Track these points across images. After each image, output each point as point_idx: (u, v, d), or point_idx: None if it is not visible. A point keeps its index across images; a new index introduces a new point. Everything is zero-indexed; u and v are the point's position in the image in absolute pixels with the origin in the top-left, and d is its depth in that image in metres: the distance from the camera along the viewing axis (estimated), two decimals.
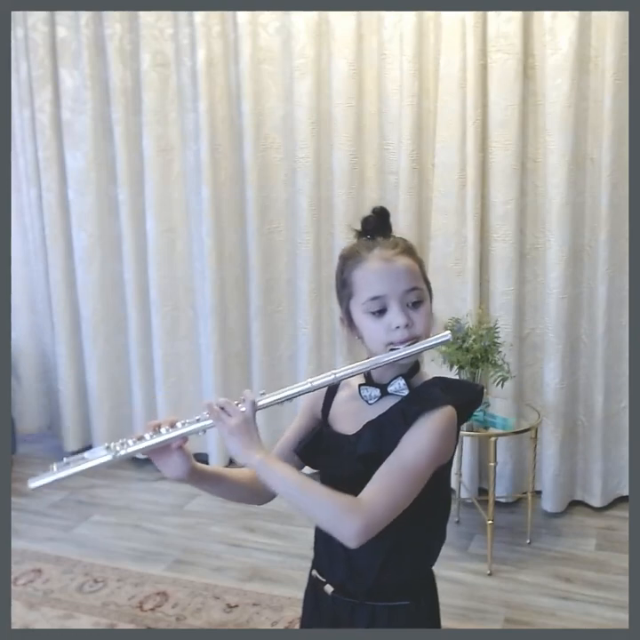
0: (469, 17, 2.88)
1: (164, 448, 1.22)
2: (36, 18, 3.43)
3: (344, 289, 1.28)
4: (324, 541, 1.36)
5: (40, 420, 4.07)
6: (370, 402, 1.29)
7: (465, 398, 1.28)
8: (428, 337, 1.26)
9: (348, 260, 1.28)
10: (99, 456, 1.21)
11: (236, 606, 2.59)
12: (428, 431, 1.20)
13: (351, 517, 1.15)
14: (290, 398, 1.23)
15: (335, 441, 1.31)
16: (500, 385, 2.81)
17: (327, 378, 1.23)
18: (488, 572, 2.77)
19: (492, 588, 2.69)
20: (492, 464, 2.74)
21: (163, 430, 1.22)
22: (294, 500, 1.18)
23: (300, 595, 1.46)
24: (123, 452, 1.20)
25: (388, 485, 1.18)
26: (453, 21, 2.94)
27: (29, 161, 3.63)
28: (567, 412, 3.12)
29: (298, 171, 3.24)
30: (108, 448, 1.21)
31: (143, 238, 3.52)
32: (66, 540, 3.09)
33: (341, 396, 1.35)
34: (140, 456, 1.24)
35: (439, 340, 1.25)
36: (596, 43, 2.86)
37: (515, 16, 2.87)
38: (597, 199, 2.94)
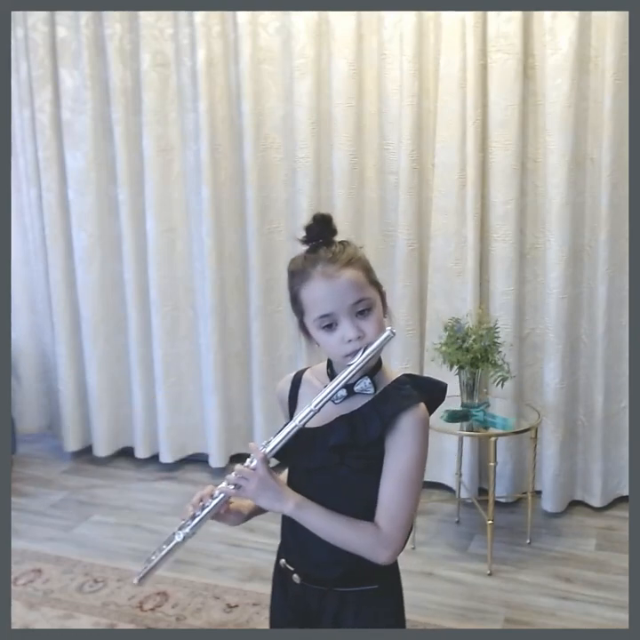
0: (469, 17, 2.88)
1: (216, 514, 1.37)
2: (36, 18, 3.43)
3: (295, 305, 1.34)
4: (291, 533, 1.43)
5: (40, 419, 4.07)
6: (336, 401, 1.34)
7: (432, 395, 1.36)
8: None
9: (295, 277, 1.32)
10: (174, 540, 1.35)
11: (236, 606, 2.59)
12: (414, 436, 1.29)
13: (379, 552, 1.30)
14: (285, 439, 1.32)
15: (303, 435, 1.34)
16: (500, 385, 2.81)
17: (307, 412, 1.31)
18: (488, 572, 2.77)
19: (492, 588, 2.68)
20: (491, 464, 2.74)
21: (207, 502, 1.34)
22: (327, 538, 1.32)
23: None
24: (188, 531, 1.35)
25: (399, 507, 1.29)
26: (453, 21, 2.94)
27: (29, 161, 3.62)
28: (567, 412, 3.12)
29: (298, 171, 3.24)
30: (178, 536, 1.35)
31: (143, 238, 3.52)
32: (66, 539, 3.09)
33: (304, 392, 1.43)
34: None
35: (384, 339, 1.30)
36: (596, 43, 2.86)
37: (515, 16, 2.87)
38: (597, 199, 2.94)
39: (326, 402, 1.31)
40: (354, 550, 1.30)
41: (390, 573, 1.43)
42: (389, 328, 1.31)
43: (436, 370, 2.76)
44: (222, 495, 1.33)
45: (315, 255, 1.30)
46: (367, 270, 1.33)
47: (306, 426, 1.37)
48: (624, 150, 2.81)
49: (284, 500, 1.30)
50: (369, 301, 1.30)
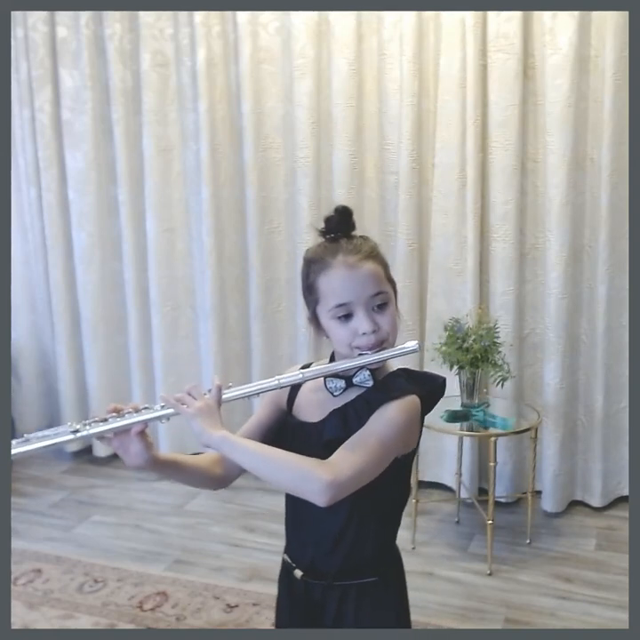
0: (469, 17, 2.89)
1: (124, 434, 1.26)
2: (36, 18, 3.43)
3: (310, 294, 1.32)
4: (293, 526, 1.43)
5: (40, 420, 4.06)
6: (335, 393, 1.33)
7: (428, 389, 1.33)
8: (394, 337, 1.32)
9: (313, 265, 1.31)
10: (60, 434, 1.22)
11: (236, 606, 2.59)
12: (394, 409, 1.26)
13: (318, 472, 1.17)
14: (257, 393, 1.30)
15: (301, 430, 1.35)
16: (500, 385, 2.81)
17: (295, 377, 1.30)
18: (488, 572, 2.77)
19: (492, 588, 2.69)
20: (492, 464, 2.74)
21: (126, 414, 1.26)
22: (260, 468, 1.22)
23: None
24: (84, 433, 1.23)
25: (355, 449, 1.22)
26: (453, 21, 2.94)
27: (29, 161, 3.62)
28: (567, 412, 3.12)
29: (298, 171, 3.24)
30: (71, 426, 1.23)
31: (143, 238, 3.52)
32: (66, 539, 3.09)
33: (306, 385, 1.39)
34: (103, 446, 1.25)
35: (407, 350, 1.31)
36: (596, 43, 2.86)
37: (515, 16, 2.87)
38: (597, 199, 2.95)
39: (319, 376, 1.31)
40: (290, 477, 1.21)
41: (391, 565, 1.42)
42: (416, 342, 1.33)
43: (436, 370, 2.74)
44: (162, 411, 1.26)
45: (336, 245, 1.29)
46: (385, 266, 1.33)
47: (305, 421, 1.36)
48: (624, 150, 2.81)
49: (215, 430, 1.22)
50: (386, 296, 1.29)
